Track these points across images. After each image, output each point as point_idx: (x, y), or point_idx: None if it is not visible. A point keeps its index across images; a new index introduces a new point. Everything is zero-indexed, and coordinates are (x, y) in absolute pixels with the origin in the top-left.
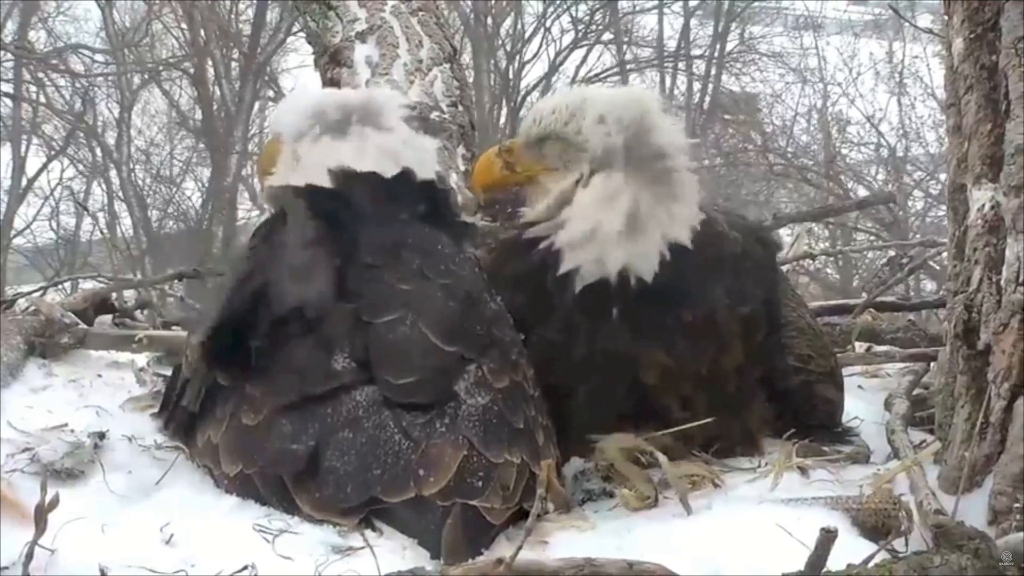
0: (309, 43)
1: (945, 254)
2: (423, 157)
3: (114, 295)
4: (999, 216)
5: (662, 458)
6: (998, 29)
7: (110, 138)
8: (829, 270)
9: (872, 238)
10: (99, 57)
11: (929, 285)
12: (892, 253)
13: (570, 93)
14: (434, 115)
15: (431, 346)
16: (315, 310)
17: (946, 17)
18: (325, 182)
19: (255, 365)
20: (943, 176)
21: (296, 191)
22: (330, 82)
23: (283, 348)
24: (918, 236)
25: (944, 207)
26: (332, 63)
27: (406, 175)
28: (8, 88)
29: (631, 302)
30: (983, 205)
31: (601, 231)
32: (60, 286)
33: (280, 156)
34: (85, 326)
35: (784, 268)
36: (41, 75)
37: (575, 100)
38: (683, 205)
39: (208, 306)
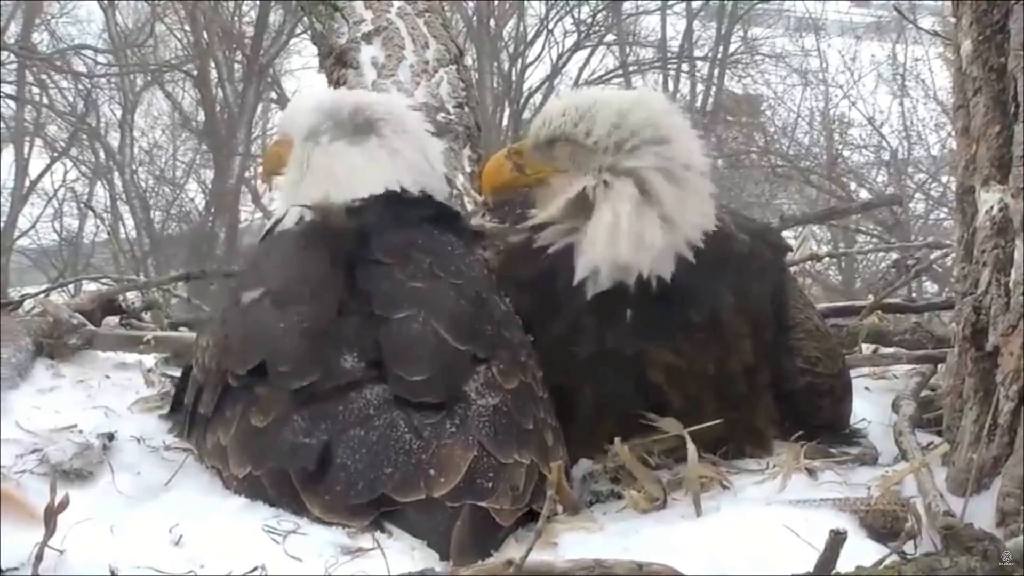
0: (315, 44)
1: (949, 256)
2: (435, 163)
3: (121, 296)
4: (1007, 218)
5: (692, 452)
6: (1007, 31)
7: (113, 140)
8: (832, 272)
9: (874, 240)
10: (102, 59)
11: (931, 287)
12: (896, 255)
13: (580, 95)
14: (440, 116)
15: (443, 344)
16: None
17: (954, 19)
18: (336, 189)
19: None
20: (945, 178)
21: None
22: (336, 83)
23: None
24: (920, 238)
25: (946, 209)
26: (338, 64)
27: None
28: (11, 90)
29: (644, 304)
30: (992, 207)
31: (619, 237)
32: (65, 287)
33: (290, 157)
34: (93, 327)
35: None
36: (44, 77)
37: (585, 102)
38: (696, 206)
39: (229, 315)
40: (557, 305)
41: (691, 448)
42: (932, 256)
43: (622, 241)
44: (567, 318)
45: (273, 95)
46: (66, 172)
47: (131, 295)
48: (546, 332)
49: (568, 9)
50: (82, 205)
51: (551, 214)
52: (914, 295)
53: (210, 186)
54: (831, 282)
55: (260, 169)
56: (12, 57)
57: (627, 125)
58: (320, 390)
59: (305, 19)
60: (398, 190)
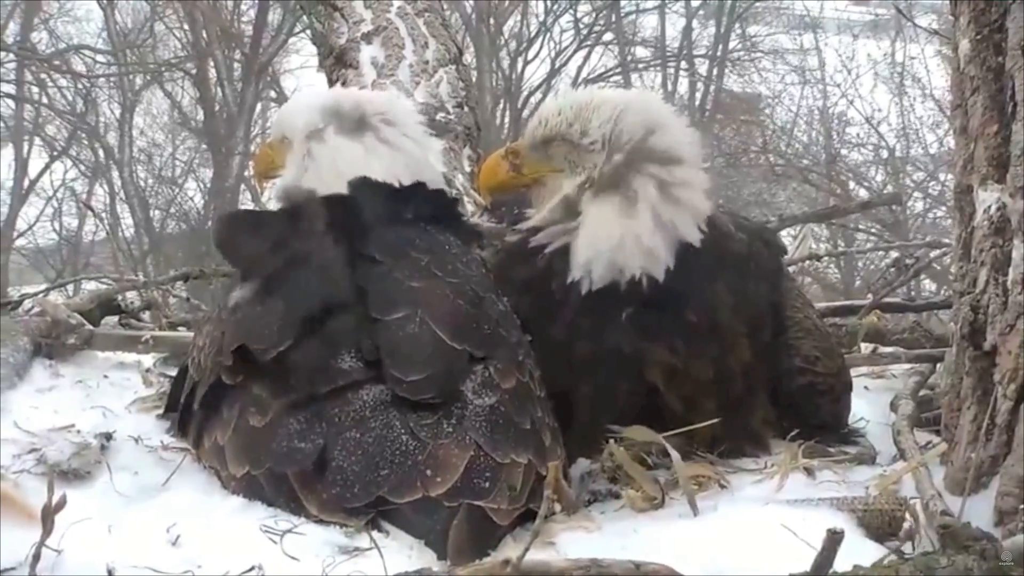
0: (314, 44)
1: (949, 255)
2: (433, 159)
3: (120, 296)
4: (1005, 217)
5: (675, 455)
6: (1005, 30)
7: (112, 139)
8: (831, 270)
9: (873, 238)
10: (101, 58)
11: (929, 285)
12: (895, 254)
13: (576, 94)
14: (440, 116)
15: (440, 344)
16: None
17: (952, 18)
18: (338, 185)
19: (263, 365)
20: (943, 176)
21: (309, 195)
22: (336, 83)
23: (291, 348)
24: (918, 237)
25: (944, 207)
26: (338, 64)
27: (417, 182)
28: (10, 89)
29: (641, 304)
30: (989, 206)
31: (613, 236)
32: (64, 287)
33: (288, 155)
34: (91, 327)
35: (790, 269)
36: (43, 76)
37: (581, 101)
38: (692, 205)
39: (222, 312)
40: (554, 305)
41: (674, 454)
42: (932, 255)
43: (617, 240)
44: (564, 318)
45: (272, 94)
46: (65, 171)
47: (130, 294)
48: (544, 332)
49: (567, 8)
50: (81, 205)
51: (547, 214)
52: (912, 294)
53: (209, 185)
54: (830, 280)
55: (253, 170)
56: (11, 56)
57: (622, 125)
58: (317, 390)
59: (305, 18)
60: (395, 184)
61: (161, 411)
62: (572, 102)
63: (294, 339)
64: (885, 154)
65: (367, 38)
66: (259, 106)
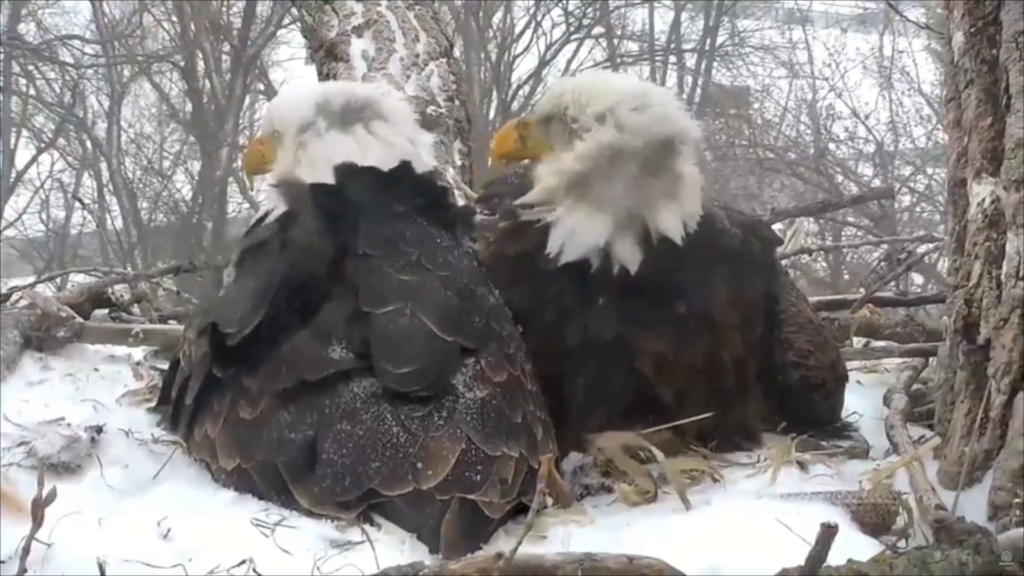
0: (305, 37)
1: (940, 249)
2: (424, 153)
3: (110, 289)
4: (999, 211)
5: (659, 454)
6: (998, 23)
7: (100, 131)
8: (819, 264)
9: (861, 233)
10: (89, 49)
11: (918, 279)
12: (884, 248)
13: (582, 78)
14: (430, 110)
15: (430, 336)
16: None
17: (945, 12)
18: (330, 178)
19: (254, 358)
20: (931, 171)
21: (302, 187)
22: (326, 77)
23: (282, 342)
24: (906, 231)
25: (932, 202)
26: (328, 58)
27: (406, 168)
28: None
29: (621, 291)
30: (983, 200)
31: (587, 216)
32: (55, 280)
33: (279, 150)
34: (82, 320)
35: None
36: (31, 67)
37: (582, 86)
38: (683, 198)
39: (207, 301)
40: (542, 288)
41: (657, 453)
42: (922, 249)
43: (586, 223)
44: (551, 305)
45: (261, 86)
46: (53, 163)
47: (119, 287)
48: (535, 322)
49: (556, 1)
50: (71, 197)
51: (538, 193)
52: (902, 288)
53: (197, 177)
54: (818, 275)
55: (243, 165)
56: None
57: (618, 113)
58: (308, 382)
59: (294, 11)
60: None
61: (152, 404)
62: (576, 85)
63: (264, 320)
64: (873, 148)
65: (357, 31)
66: (248, 98)
